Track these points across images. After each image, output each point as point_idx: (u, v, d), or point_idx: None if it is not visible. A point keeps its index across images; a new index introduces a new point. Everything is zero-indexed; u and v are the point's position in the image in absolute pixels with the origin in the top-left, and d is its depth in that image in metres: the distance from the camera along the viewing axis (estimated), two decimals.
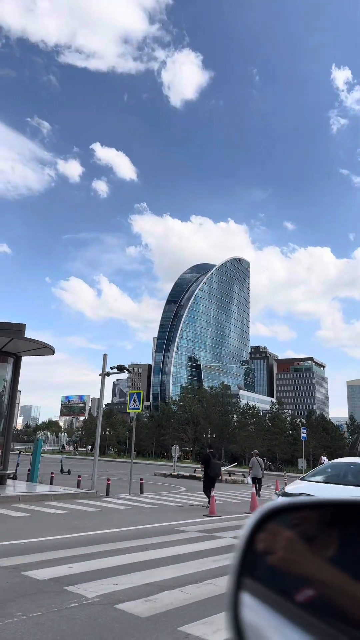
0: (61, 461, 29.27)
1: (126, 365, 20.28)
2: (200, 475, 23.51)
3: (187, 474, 33.81)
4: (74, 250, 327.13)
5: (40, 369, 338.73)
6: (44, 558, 6.90)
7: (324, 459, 43.36)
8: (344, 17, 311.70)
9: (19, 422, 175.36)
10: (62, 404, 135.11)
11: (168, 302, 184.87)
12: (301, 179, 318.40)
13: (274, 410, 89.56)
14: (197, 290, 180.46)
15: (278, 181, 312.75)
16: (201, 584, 6.01)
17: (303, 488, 8.55)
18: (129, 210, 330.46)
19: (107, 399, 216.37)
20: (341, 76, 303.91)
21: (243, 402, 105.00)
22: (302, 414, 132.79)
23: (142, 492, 18.23)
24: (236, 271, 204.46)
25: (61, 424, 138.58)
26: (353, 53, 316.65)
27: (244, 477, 33.09)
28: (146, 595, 5.37)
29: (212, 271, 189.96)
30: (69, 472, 26.31)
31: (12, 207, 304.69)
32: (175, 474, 33.67)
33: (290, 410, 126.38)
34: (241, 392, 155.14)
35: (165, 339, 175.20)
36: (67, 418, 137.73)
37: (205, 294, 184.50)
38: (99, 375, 18.97)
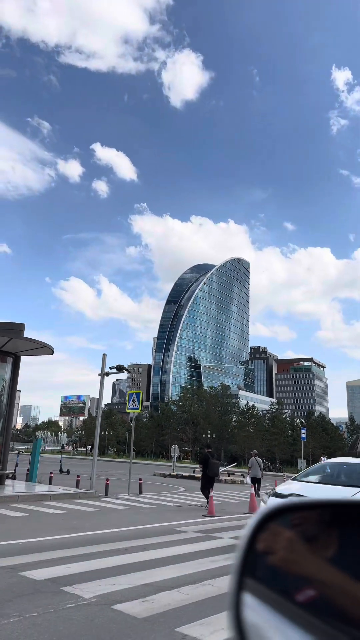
0: (60, 461, 29.26)
1: (126, 366, 20.27)
2: (199, 475, 23.49)
3: (187, 474, 33.79)
4: (74, 250, 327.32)
5: (40, 369, 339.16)
6: (42, 558, 6.88)
7: (324, 459, 43.35)
8: (344, 18, 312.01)
9: (19, 422, 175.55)
10: (61, 404, 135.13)
11: (168, 302, 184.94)
12: (301, 179, 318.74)
13: (273, 410, 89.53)
14: (197, 290, 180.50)
15: (278, 182, 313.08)
16: (199, 585, 5.99)
17: (294, 488, 8.45)
18: (129, 210, 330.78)
19: (107, 399, 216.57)
20: (341, 77, 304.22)
21: (242, 402, 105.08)
22: (302, 414, 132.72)
23: (141, 492, 18.22)
24: (236, 271, 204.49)
25: (61, 424, 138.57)
26: (353, 53, 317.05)
27: (243, 477, 33.08)
28: (144, 596, 5.35)
29: (212, 271, 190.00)
30: (68, 472, 26.30)
31: (12, 207, 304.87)
32: (175, 474, 33.66)
33: (289, 411, 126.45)
34: (241, 392, 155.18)
35: (165, 339, 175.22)
36: (67, 418, 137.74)
37: (205, 294, 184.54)
38: (98, 375, 18.95)
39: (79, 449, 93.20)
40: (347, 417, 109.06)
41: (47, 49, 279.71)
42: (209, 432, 74.73)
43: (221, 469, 35.47)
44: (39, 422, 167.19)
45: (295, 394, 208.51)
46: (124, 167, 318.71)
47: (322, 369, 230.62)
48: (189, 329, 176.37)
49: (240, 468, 51.41)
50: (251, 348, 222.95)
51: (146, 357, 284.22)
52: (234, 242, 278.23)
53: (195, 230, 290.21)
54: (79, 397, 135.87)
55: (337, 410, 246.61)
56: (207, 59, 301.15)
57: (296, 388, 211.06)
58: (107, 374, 19.06)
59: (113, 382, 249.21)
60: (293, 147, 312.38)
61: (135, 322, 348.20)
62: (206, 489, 15.43)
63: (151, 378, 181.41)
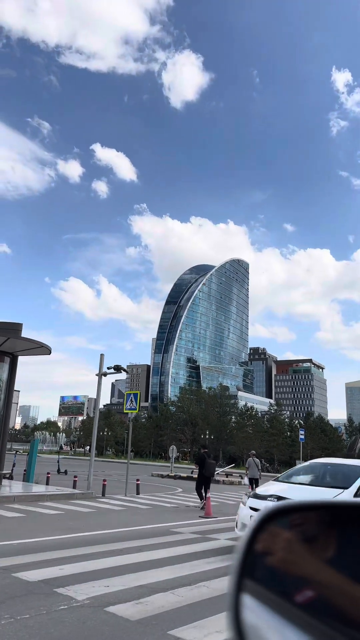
0: (58, 461, 29.18)
1: (125, 366, 20.25)
2: (197, 475, 23.46)
3: (184, 474, 33.73)
4: (73, 250, 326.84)
5: (40, 369, 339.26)
6: (36, 559, 6.83)
7: None
8: (344, 18, 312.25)
9: (18, 422, 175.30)
10: (60, 404, 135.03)
11: (167, 302, 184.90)
12: (301, 180, 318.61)
13: (272, 411, 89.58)
14: (197, 291, 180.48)
15: (278, 183, 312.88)
16: (194, 587, 5.94)
17: (274, 490, 8.32)
18: (129, 210, 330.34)
19: (106, 400, 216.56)
20: (341, 78, 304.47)
21: (241, 403, 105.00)
22: (301, 415, 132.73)
23: (138, 493, 18.17)
24: (235, 272, 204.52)
25: (60, 424, 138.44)
26: (353, 54, 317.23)
27: (242, 478, 33.03)
28: (138, 598, 5.30)
29: (211, 272, 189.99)
30: (65, 472, 26.24)
31: (12, 207, 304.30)
32: (173, 474, 33.61)
33: (288, 412, 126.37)
34: (240, 393, 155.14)
35: (164, 339, 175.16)
36: (66, 418, 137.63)
37: (204, 295, 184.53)
38: (96, 375, 18.91)
39: (77, 449, 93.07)
40: (346, 418, 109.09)
41: (47, 49, 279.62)
42: (207, 433, 74.66)
43: (219, 470, 35.48)
44: (38, 422, 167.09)
45: (294, 395, 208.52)
46: (123, 167, 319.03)
47: (321, 370, 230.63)
48: (188, 330, 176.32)
49: (238, 469, 51.36)
50: (250, 349, 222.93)
51: (145, 357, 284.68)
52: (234, 243, 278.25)
53: (194, 231, 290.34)
54: (75, 397, 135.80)
55: (336, 412, 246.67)
56: (208, 60, 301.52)
57: (295, 389, 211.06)
58: (105, 375, 19.01)
59: (112, 383, 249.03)
60: (293, 148, 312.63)
61: (134, 323, 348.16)
62: (201, 488, 15.60)
63: (150, 379, 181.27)
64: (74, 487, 17.37)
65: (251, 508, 7.84)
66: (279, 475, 10.11)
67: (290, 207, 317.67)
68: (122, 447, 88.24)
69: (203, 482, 15.68)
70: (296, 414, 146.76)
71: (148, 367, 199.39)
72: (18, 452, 39.42)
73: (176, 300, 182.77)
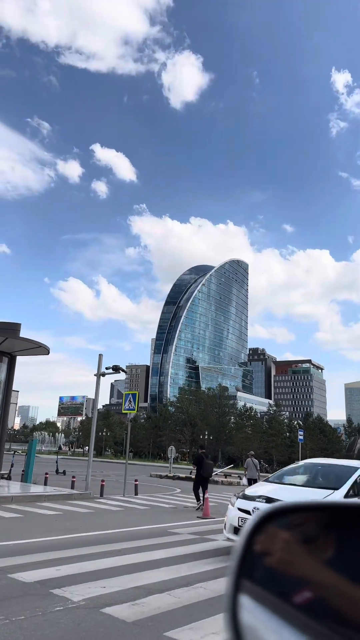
0: (57, 462, 29.15)
1: (124, 367, 20.21)
2: None
3: (183, 475, 33.72)
4: (73, 250, 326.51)
5: (39, 369, 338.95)
6: (33, 560, 6.79)
7: None
8: (344, 19, 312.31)
9: (17, 423, 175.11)
10: (59, 405, 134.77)
11: (167, 303, 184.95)
12: (301, 181, 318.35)
13: (271, 412, 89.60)
14: (196, 291, 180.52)
15: (277, 183, 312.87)
16: (191, 588, 5.91)
17: (263, 490, 8.21)
18: (129, 211, 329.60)
19: (105, 400, 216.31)
20: (341, 79, 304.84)
21: (240, 403, 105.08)
22: (300, 416, 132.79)
23: (136, 494, 18.14)
24: (235, 273, 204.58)
25: (59, 424, 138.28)
26: (353, 55, 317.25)
27: (240, 478, 32.99)
28: (134, 599, 5.27)
29: (210, 273, 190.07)
30: (64, 472, 26.22)
31: (11, 207, 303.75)
32: (171, 475, 33.59)
33: (287, 413, 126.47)
34: (239, 393, 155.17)
35: (163, 340, 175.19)
36: (65, 419, 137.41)
37: (203, 296, 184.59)
38: (94, 375, 18.87)
39: (76, 449, 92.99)
40: (345, 419, 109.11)
41: (47, 49, 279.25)
42: (206, 433, 74.65)
43: (217, 470, 35.45)
44: (37, 422, 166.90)
45: (293, 396, 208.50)
46: (123, 168, 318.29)
47: (320, 370, 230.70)
48: (188, 330, 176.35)
49: (237, 469, 51.33)
50: (249, 349, 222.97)
51: (145, 358, 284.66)
52: (233, 244, 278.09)
53: (194, 231, 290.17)
54: (72, 397, 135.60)
55: (335, 412, 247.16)
56: (207, 61, 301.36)
57: (294, 390, 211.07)
58: (103, 375, 18.97)
59: (111, 383, 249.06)
60: (292, 149, 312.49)
61: (134, 323, 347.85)
62: (198, 489, 15.65)
63: (149, 379, 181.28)
64: (72, 487, 17.34)
65: (240, 509, 7.76)
66: (270, 475, 10.01)
67: (289, 208, 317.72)
68: (121, 448, 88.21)
69: (200, 483, 15.70)
70: (295, 415, 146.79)
71: (147, 367, 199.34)
72: (16, 453, 39.33)
73: (175, 300, 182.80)
